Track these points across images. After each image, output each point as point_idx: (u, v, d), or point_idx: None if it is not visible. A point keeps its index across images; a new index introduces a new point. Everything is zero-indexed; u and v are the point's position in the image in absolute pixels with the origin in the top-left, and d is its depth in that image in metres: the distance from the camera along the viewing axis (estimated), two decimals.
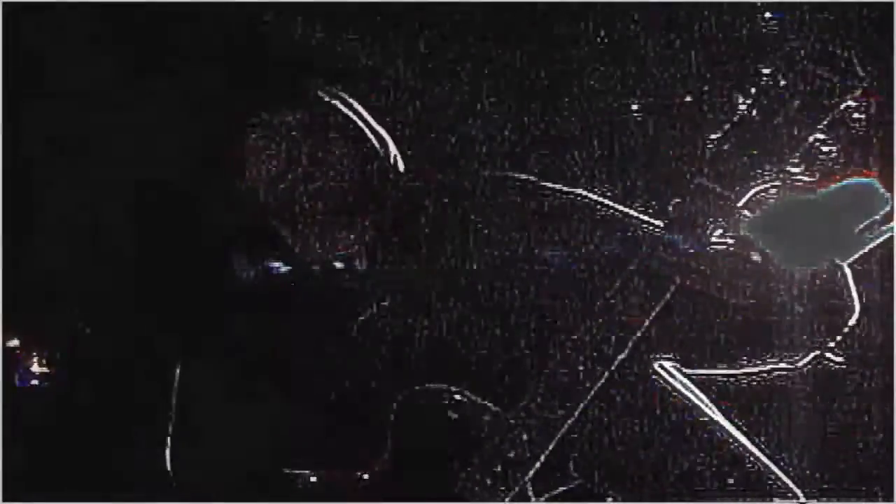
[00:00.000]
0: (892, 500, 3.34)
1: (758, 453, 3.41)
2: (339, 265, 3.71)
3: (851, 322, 3.34)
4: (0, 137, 3.71)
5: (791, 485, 3.38)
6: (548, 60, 3.59)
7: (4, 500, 3.62)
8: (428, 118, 3.70)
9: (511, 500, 3.38)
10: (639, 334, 3.33)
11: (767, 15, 3.14)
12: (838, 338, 3.35)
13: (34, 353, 3.89)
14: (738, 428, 3.43)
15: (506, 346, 3.56)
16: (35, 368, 3.90)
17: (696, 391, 3.46)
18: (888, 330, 3.33)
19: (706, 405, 3.45)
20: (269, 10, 3.75)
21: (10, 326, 3.86)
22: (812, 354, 3.37)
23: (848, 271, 3.31)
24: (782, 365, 3.37)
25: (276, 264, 3.74)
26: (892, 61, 3.10)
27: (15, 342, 3.90)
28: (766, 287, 3.27)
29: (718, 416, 3.45)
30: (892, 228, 3.24)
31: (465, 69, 3.70)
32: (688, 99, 3.23)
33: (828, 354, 3.35)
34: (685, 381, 3.45)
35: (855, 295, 3.33)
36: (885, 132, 3.11)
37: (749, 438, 3.42)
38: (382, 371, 3.58)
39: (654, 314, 3.33)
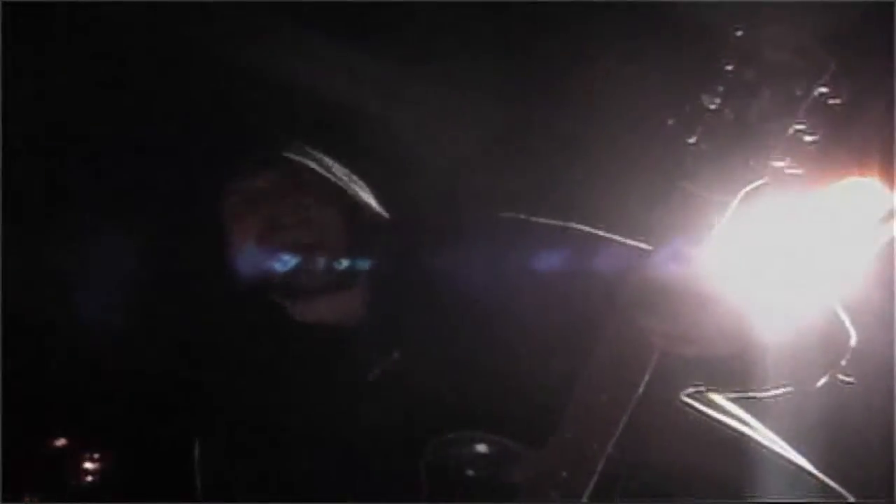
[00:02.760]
0: (892, 499, 3.31)
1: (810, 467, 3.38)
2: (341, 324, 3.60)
3: (852, 343, 3.31)
4: (0, 139, 3.69)
5: (842, 491, 3.27)
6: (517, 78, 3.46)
7: (4, 500, 3.60)
8: (405, 158, 3.59)
9: None
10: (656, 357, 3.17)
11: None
12: (843, 363, 3.31)
13: (85, 452, 3.87)
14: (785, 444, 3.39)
15: (525, 384, 3.42)
16: (87, 465, 3.88)
17: (730, 409, 3.40)
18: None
19: (742, 422, 3.39)
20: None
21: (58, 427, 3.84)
22: (825, 378, 3.33)
23: (840, 310, 3.31)
24: (801, 386, 3.35)
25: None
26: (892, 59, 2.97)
27: (62, 441, 3.88)
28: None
29: (761, 432, 3.40)
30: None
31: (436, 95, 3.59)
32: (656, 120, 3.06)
33: (839, 375, 3.31)
34: (715, 402, 3.39)
35: (851, 328, 3.33)
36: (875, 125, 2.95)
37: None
38: (402, 425, 3.47)
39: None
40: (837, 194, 3.49)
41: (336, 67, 3.73)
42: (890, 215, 3.58)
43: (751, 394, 3.43)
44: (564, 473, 3.22)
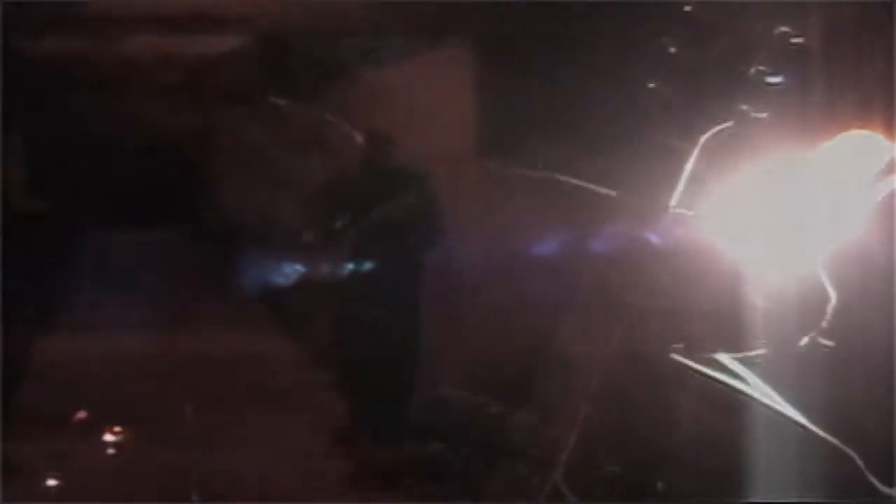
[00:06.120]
0: (891, 486, 3.16)
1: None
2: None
3: (831, 306, 3.22)
4: (0, 138, 3.64)
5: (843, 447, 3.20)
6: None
7: (4, 499, 3.58)
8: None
9: (548, 501, 3.22)
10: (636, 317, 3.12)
11: None
12: (824, 324, 3.22)
13: (105, 424, 3.84)
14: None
15: (508, 344, 3.37)
16: (108, 437, 3.86)
17: (718, 367, 3.29)
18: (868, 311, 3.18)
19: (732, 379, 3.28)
20: None
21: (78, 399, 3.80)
22: (806, 338, 3.23)
23: (823, 273, 3.21)
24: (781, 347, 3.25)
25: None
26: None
27: (82, 414, 3.86)
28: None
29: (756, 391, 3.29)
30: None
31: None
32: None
33: (820, 339, 3.22)
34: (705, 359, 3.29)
35: (830, 289, 3.23)
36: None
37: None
38: (386, 383, 3.44)
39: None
40: (827, 146, 3.33)
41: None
42: (887, 171, 3.42)
43: (731, 354, 3.35)
44: (546, 428, 3.21)
